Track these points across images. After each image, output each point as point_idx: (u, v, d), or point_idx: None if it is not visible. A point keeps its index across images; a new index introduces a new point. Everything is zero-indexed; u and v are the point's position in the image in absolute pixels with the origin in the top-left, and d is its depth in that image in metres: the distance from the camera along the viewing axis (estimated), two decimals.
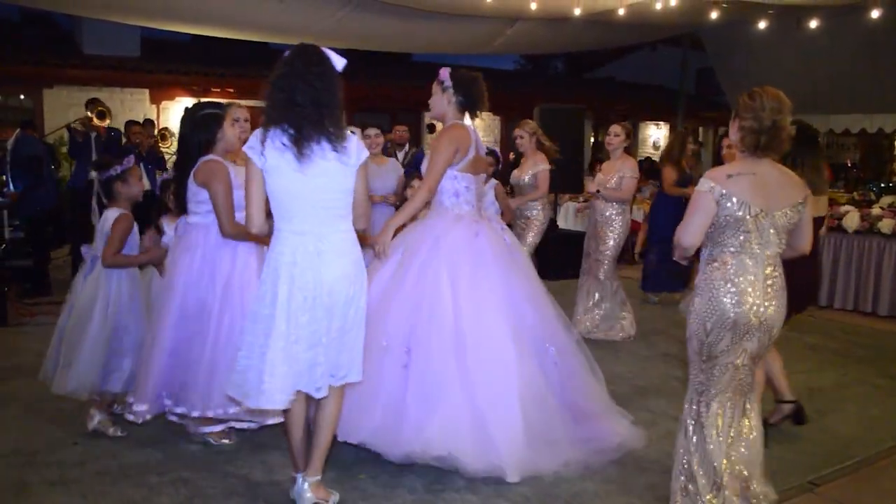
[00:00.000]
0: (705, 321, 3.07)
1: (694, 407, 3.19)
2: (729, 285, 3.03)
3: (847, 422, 4.60)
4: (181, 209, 3.95)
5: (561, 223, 10.56)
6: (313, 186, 2.96)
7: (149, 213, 4.63)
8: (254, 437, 4.00)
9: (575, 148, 9.31)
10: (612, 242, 6.25)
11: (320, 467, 3.24)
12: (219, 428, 3.94)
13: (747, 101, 3.04)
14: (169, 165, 9.66)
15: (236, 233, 3.68)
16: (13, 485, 3.49)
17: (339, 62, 3.03)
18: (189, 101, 12.84)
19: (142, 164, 8.31)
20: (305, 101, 2.91)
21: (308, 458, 3.23)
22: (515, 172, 6.52)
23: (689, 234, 3.05)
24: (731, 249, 3.04)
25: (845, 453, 4.11)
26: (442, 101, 3.99)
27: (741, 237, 3.02)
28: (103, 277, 4.02)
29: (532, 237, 6.37)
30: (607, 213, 6.24)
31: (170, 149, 10.04)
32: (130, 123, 8.92)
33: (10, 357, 5.51)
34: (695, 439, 3.16)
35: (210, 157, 3.77)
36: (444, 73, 3.97)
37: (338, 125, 2.98)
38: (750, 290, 3.03)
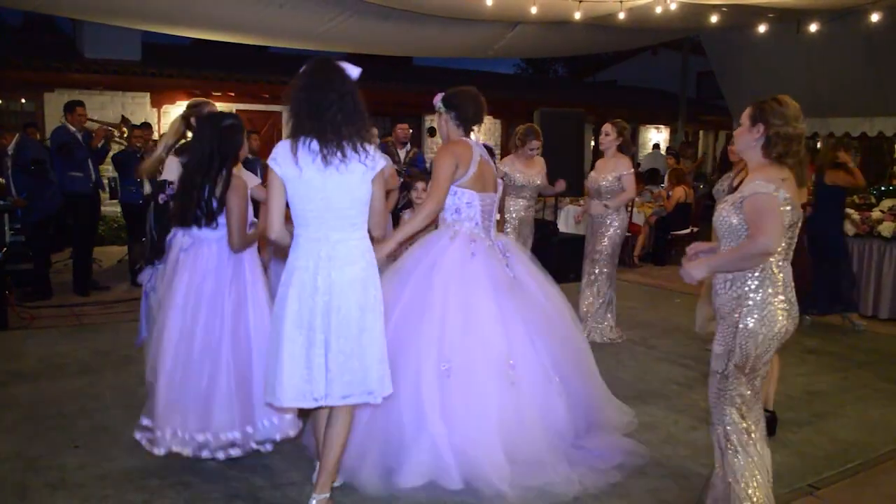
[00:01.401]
0: (758, 334, 2.97)
1: (743, 424, 3.08)
2: (781, 297, 2.98)
3: (847, 425, 4.61)
4: (207, 220, 3.66)
5: (562, 227, 10.56)
6: (328, 194, 3.01)
7: (153, 220, 4.68)
8: None
9: (576, 152, 9.31)
10: (607, 242, 6.28)
11: (327, 484, 3.20)
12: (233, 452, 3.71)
13: (777, 106, 2.97)
14: None
15: (244, 246, 3.72)
16: (15, 488, 3.50)
17: (354, 71, 3.10)
18: None
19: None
20: (327, 113, 2.97)
21: (319, 474, 3.23)
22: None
23: (777, 236, 2.90)
24: (778, 257, 2.98)
25: (845, 457, 4.12)
26: (442, 125, 4.05)
27: (786, 243, 2.98)
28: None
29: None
30: (603, 214, 6.25)
31: None
32: (133, 126, 8.92)
33: (11, 361, 5.51)
34: (749, 455, 3.09)
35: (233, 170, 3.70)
36: (436, 99, 4.02)
37: (359, 136, 3.03)
38: (793, 296, 3.02)
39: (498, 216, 5.47)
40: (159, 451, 3.58)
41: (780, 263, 3.00)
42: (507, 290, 3.91)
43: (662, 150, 17.24)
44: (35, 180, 7.63)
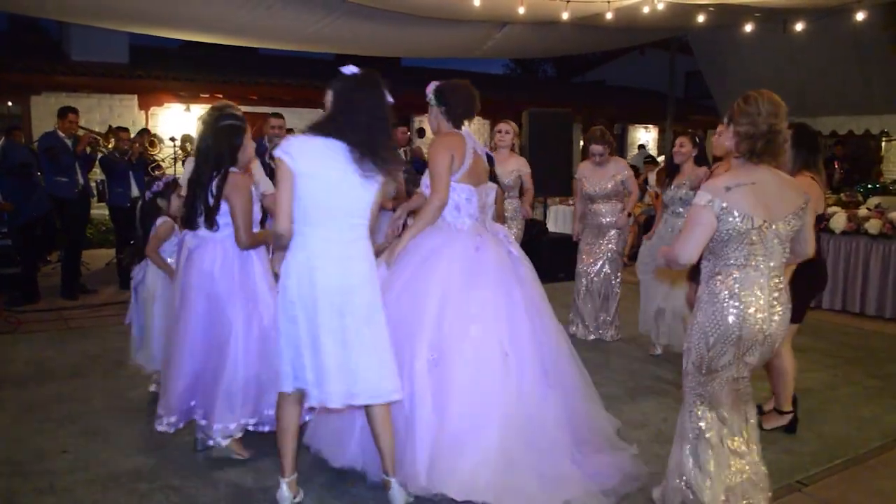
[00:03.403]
0: (708, 336, 3.00)
1: (693, 420, 3.13)
2: (734, 301, 2.94)
3: (836, 422, 4.63)
4: (206, 221, 3.70)
5: (551, 226, 10.59)
6: (350, 198, 3.12)
7: (139, 217, 4.71)
8: (245, 444, 3.95)
9: (564, 152, 9.34)
10: (616, 242, 6.37)
11: (394, 469, 3.30)
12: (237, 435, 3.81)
13: (743, 105, 2.96)
14: (165, 171, 9.64)
15: (253, 243, 3.73)
16: (3, 494, 3.48)
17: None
18: (178, 107, 12.95)
19: (130, 171, 8.29)
20: (371, 121, 3.09)
21: (390, 461, 3.29)
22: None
23: (688, 250, 2.92)
24: (735, 263, 2.95)
25: (834, 453, 4.14)
26: (432, 118, 3.95)
27: (745, 250, 2.93)
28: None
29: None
30: (607, 215, 6.33)
31: (158, 154, 10.00)
32: (118, 130, 8.87)
33: None
34: (696, 452, 3.12)
35: (231, 169, 3.68)
36: (428, 88, 3.93)
37: (387, 150, 3.16)
38: (755, 304, 2.95)
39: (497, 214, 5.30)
40: (167, 428, 3.74)
41: (738, 266, 2.96)
42: (515, 283, 3.84)
43: (650, 150, 17.37)
44: (21, 183, 7.59)
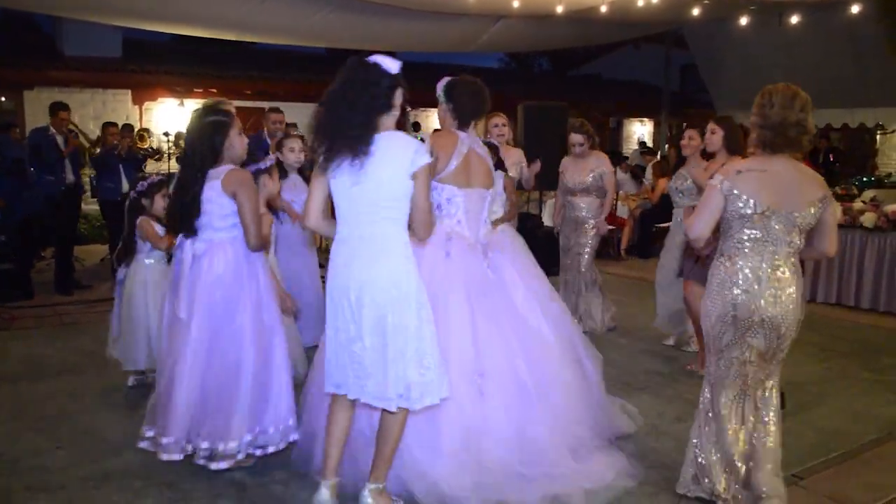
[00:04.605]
0: (710, 314, 3.19)
1: (707, 396, 3.32)
2: (732, 280, 3.12)
3: (831, 415, 4.64)
4: (185, 226, 3.60)
5: (546, 220, 10.55)
6: (351, 194, 3.00)
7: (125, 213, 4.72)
8: None
9: (559, 145, 9.30)
10: (591, 235, 6.38)
11: (383, 475, 3.17)
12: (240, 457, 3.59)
13: (758, 99, 3.12)
14: (155, 167, 9.62)
15: (262, 244, 3.64)
16: None
17: (393, 65, 3.17)
18: (171, 102, 12.89)
19: (120, 166, 8.26)
20: (338, 116, 2.98)
21: (372, 464, 3.18)
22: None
23: (697, 226, 3.14)
24: (737, 245, 3.12)
25: (829, 446, 4.14)
26: (441, 114, 3.92)
27: (746, 233, 3.09)
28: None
29: None
30: (584, 209, 6.34)
31: (144, 146, 10.00)
32: (107, 125, 8.82)
33: None
34: (707, 430, 3.31)
35: (232, 167, 3.57)
36: (439, 84, 3.88)
37: (366, 137, 2.98)
38: (752, 287, 3.09)
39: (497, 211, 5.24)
40: (169, 456, 3.47)
41: (739, 248, 3.12)
42: (482, 293, 3.74)
43: (648, 142, 17.39)
44: (14, 180, 7.56)
